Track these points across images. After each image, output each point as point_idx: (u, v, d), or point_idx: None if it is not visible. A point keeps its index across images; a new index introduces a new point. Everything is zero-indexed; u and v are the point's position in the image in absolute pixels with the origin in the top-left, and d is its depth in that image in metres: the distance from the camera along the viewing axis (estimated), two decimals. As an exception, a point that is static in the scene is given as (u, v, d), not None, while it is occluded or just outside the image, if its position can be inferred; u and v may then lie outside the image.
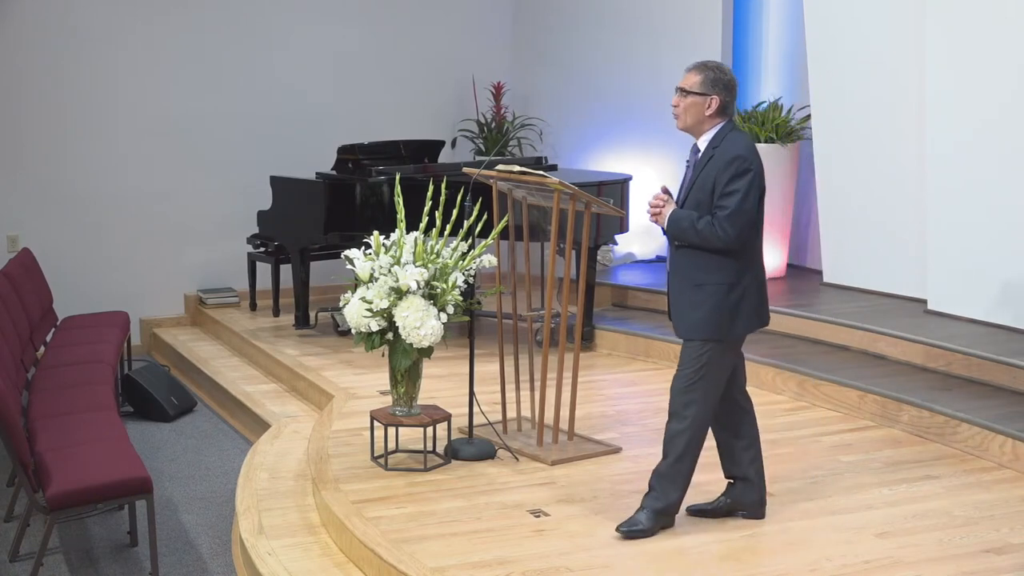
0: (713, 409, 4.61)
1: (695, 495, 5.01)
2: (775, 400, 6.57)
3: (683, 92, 4.56)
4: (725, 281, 4.49)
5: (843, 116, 7.90)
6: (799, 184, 8.56)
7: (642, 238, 9.24)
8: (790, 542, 4.56)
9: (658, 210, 4.59)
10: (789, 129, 8.32)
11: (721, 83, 4.55)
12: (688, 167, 4.67)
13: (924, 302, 7.29)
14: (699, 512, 4.77)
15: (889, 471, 5.41)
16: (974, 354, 6.29)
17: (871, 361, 6.75)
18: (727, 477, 4.81)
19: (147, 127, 9.08)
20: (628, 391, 6.76)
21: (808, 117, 8.22)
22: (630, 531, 4.55)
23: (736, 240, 4.43)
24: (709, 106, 4.53)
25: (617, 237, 8.43)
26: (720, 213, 4.42)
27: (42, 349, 7.32)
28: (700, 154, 4.59)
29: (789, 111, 8.38)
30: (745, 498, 4.76)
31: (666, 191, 4.65)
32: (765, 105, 8.44)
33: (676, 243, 4.58)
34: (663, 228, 4.61)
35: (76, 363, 6.73)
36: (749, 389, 6.59)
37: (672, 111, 4.62)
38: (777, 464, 5.47)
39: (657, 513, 4.60)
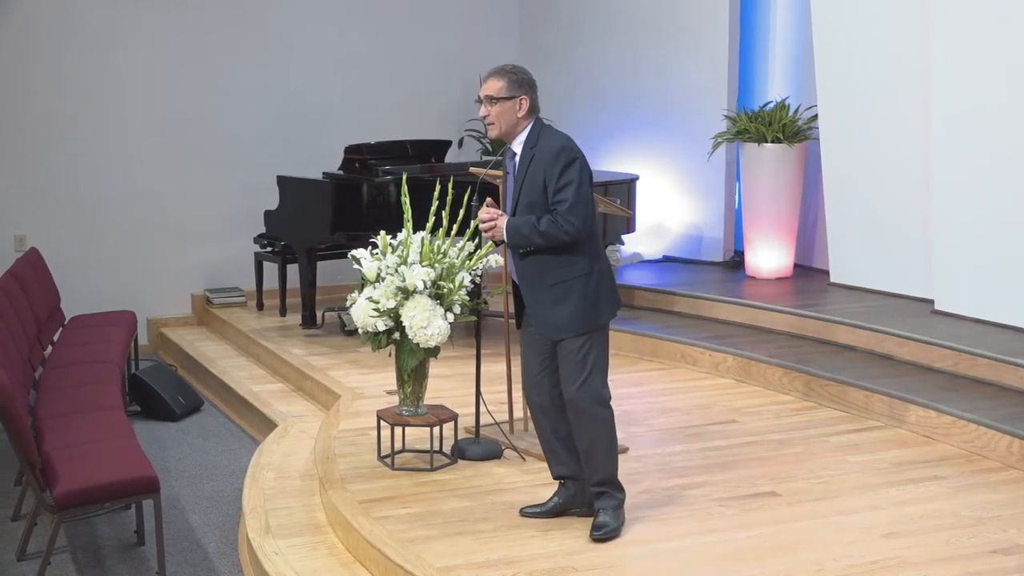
0: (609, 396, 4.57)
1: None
2: (782, 400, 6.57)
3: (491, 100, 4.54)
4: (580, 273, 4.46)
5: (850, 116, 7.89)
6: (806, 184, 8.55)
7: (648, 238, 9.24)
8: (797, 542, 4.56)
9: (492, 223, 4.54)
10: (796, 129, 8.32)
11: (525, 83, 4.55)
12: (508, 174, 4.64)
13: (931, 302, 7.28)
14: (532, 515, 4.75)
15: (896, 471, 5.40)
16: (981, 354, 6.28)
17: (878, 361, 6.74)
18: (557, 478, 4.78)
19: (154, 127, 9.09)
20: (634, 391, 6.76)
21: (815, 117, 8.21)
22: (605, 535, 4.52)
23: (583, 229, 4.41)
24: (520, 107, 4.52)
25: (624, 237, 8.44)
26: (560, 207, 4.39)
27: (49, 348, 7.33)
28: (518, 157, 4.55)
29: (796, 111, 8.37)
30: (580, 497, 4.73)
31: (492, 204, 4.63)
32: (772, 105, 8.44)
33: (520, 251, 4.53)
34: (501, 241, 4.56)
35: (83, 362, 6.74)
36: (757, 388, 6.59)
37: (483, 122, 4.61)
38: (784, 464, 5.48)
39: (617, 508, 4.60)
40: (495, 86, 4.54)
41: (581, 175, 4.44)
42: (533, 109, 4.57)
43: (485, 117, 4.59)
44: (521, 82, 4.54)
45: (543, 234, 4.40)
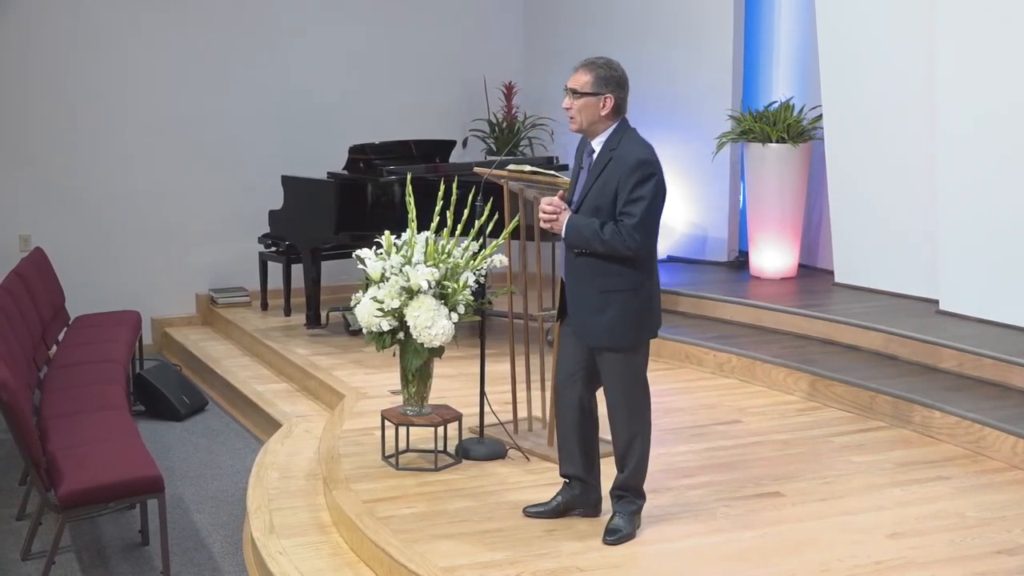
0: (649, 406, 4.57)
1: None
2: (787, 400, 6.56)
3: (575, 93, 4.41)
4: (630, 287, 4.39)
5: (855, 116, 7.88)
6: (810, 184, 8.54)
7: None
8: (801, 542, 4.55)
9: (554, 217, 4.46)
10: (800, 129, 8.31)
11: (613, 81, 4.40)
12: (582, 169, 4.53)
13: (936, 302, 7.28)
14: (536, 514, 4.74)
15: (900, 471, 5.40)
16: (985, 354, 6.28)
17: (883, 361, 6.73)
18: (564, 476, 4.77)
19: (158, 127, 9.10)
20: (639, 391, 6.75)
21: (820, 117, 8.20)
22: (617, 539, 4.52)
23: (643, 248, 4.34)
24: (603, 106, 4.40)
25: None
26: (628, 221, 4.29)
27: (54, 348, 7.34)
28: (596, 156, 4.45)
29: (801, 111, 8.36)
30: (584, 498, 4.74)
31: (562, 196, 4.54)
32: (777, 105, 8.43)
33: (576, 251, 4.45)
34: (558, 235, 4.48)
35: (88, 362, 6.75)
36: (761, 388, 6.58)
37: (565, 113, 4.49)
38: (788, 464, 5.47)
39: (634, 514, 4.60)
40: (581, 79, 4.41)
41: (656, 193, 4.32)
42: (618, 110, 4.43)
43: (567, 109, 4.45)
44: (608, 79, 4.40)
45: (605, 243, 4.31)
